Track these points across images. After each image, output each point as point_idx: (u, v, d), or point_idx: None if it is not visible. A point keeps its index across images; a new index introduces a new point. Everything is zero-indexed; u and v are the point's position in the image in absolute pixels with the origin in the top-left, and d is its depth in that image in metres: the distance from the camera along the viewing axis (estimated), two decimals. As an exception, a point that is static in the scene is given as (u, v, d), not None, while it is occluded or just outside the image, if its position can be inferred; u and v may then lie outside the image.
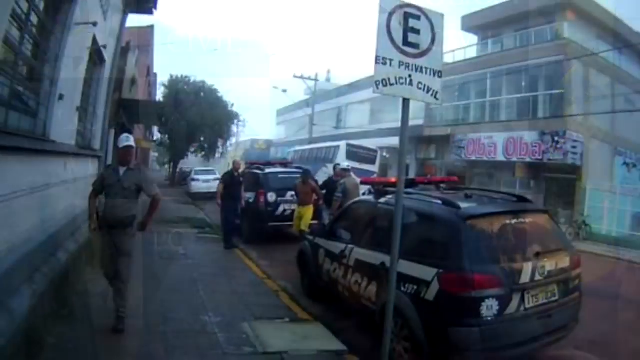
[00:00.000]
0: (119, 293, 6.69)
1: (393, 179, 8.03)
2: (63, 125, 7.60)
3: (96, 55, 10.51)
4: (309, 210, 13.34)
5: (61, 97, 7.17)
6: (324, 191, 14.08)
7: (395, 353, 5.93)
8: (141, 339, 6.51)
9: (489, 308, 5.33)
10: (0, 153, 4.59)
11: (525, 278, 5.60)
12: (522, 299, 5.57)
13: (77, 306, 7.14)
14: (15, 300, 4.79)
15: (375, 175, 26.27)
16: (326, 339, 6.90)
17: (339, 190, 12.27)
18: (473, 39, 33.20)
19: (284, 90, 48.38)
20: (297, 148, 41.88)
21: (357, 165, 29.20)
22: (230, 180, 13.92)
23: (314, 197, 13.50)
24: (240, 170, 14.88)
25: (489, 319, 5.33)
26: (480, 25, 31.65)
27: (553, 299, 5.85)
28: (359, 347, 6.52)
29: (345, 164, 16.17)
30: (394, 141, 34.31)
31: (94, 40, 9.44)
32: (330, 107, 48.33)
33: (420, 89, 5.09)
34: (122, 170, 6.72)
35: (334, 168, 15.16)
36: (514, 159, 25.10)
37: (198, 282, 9.65)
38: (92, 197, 6.80)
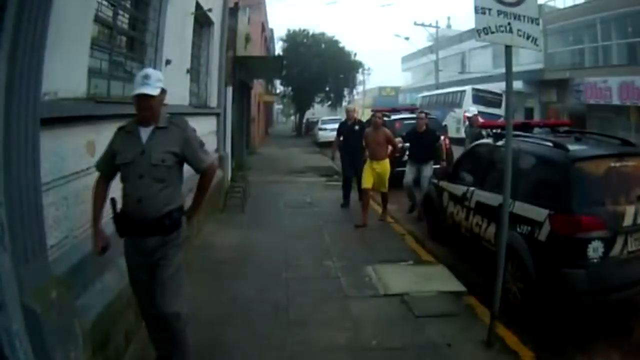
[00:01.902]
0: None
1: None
2: (174, 87, 7.94)
3: (202, 19, 10.83)
4: (384, 166, 10.47)
5: (168, 62, 7.51)
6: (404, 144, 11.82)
7: (510, 294, 6.11)
8: (263, 283, 6.86)
9: (595, 250, 5.40)
10: (102, 122, 4.87)
11: (628, 221, 5.57)
12: (625, 242, 5.55)
13: (193, 260, 7.50)
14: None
15: (501, 119, 25.99)
16: (447, 280, 7.06)
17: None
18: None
19: (407, 38, 48.50)
20: (425, 94, 42.24)
21: (483, 109, 29.23)
22: (344, 131, 12.13)
23: (389, 148, 10.67)
24: (365, 119, 14.45)
25: (595, 260, 5.41)
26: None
27: None
28: (478, 288, 6.63)
29: (471, 108, 14.84)
30: (517, 84, 34.11)
31: (198, 5, 9.74)
32: (453, 53, 48.40)
33: (520, 36, 5.06)
34: (144, 131, 4.00)
35: (418, 115, 12.25)
36: (628, 103, 24.80)
37: (323, 229, 10.02)
38: (98, 187, 4.09)
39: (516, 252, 6.01)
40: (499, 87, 31.69)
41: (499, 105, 30.45)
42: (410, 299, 6.30)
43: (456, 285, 6.82)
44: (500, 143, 7.51)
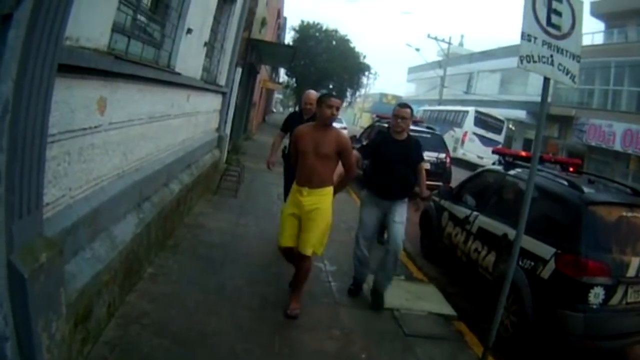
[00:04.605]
0: None
1: (523, 153, 8.33)
2: (189, 58, 7.68)
3: (227, -7, 10.51)
4: (322, 202, 5.50)
5: (189, 31, 7.23)
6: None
7: (501, 326, 5.91)
8: (252, 274, 6.61)
9: (596, 296, 5.41)
10: (117, 80, 4.58)
11: (632, 272, 5.59)
12: (626, 293, 5.56)
13: (183, 239, 7.37)
14: (119, 228, 4.86)
15: (500, 146, 26.14)
16: (438, 301, 6.94)
17: None
18: (600, 25, 32.99)
19: (417, 49, 48.44)
20: (427, 107, 42.37)
21: (483, 133, 29.45)
22: (294, 128, 6.15)
23: (337, 168, 5.71)
24: (365, 124, 13.00)
25: (594, 306, 5.39)
26: (608, 13, 31.10)
27: None
28: (467, 314, 6.62)
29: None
30: (521, 114, 34.58)
31: (225, -22, 9.42)
32: (461, 72, 48.89)
33: (560, 70, 5.06)
34: None
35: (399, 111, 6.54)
36: (630, 150, 25.22)
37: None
38: None
39: (515, 286, 5.85)
40: (501, 113, 32.02)
41: (499, 132, 30.88)
42: (401, 316, 6.17)
43: (447, 309, 6.69)
44: (512, 172, 7.52)
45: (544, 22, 4.99)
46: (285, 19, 42.88)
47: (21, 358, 2.75)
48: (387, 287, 6.38)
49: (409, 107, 6.57)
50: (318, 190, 5.46)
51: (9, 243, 2.69)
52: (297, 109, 50.39)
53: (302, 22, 45.28)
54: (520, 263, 5.92)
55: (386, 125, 15.01)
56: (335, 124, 5.82)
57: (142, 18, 5.74)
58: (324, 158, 5.45)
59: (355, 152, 6.30)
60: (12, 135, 2.69)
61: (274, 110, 73.86)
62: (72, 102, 3.66)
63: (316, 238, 5.49)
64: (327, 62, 42.01)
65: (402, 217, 6.33)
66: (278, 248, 5.79)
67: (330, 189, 5.60)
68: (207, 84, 9.99)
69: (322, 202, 5.49)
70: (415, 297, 6.86)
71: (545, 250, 5.81)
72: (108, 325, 4.44)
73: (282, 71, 45.19)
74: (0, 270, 2.64)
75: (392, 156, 6.33)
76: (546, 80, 5.08)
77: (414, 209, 6.87)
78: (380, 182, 6.33)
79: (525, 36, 4.87)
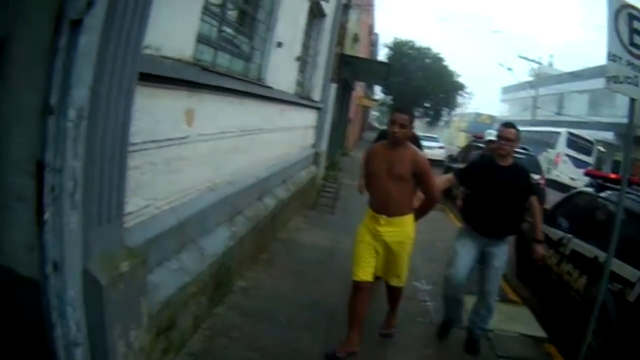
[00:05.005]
0: None
1: (613, 175, 8.02)
2: (281, 72, 7.66)
3: (316, 9, 10.52)
4: (403, 231, 4.89)
5: (279, 44, 7.21)
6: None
7: (589, 349, 5.58)
8: (348, 293, 6.18)
9: None
10: (204, 91, 4.55)
11: None
12: None
13: (276, 253, 7.30)
14: (209, 240, 4.81)
15: (590, 167, 25.33)
16: (530, 323, 6.72)
17: None
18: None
19: (509, 69, 47.70)
20: (519, 128, 41.28)
21: (575, 154, 28.78)
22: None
23: (416, 194, 5.05)
24: (462, 143, 12.70)
25: None
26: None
27: None
28: (557, 336, 6.39)
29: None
30: (609, 136, 33.16)
31: (314, -6, 9.45)
32: (551, 92, 47.74)
33: None
34: None
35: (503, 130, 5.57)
36: None
37: (414, 247, 9.40)
38: None
39: (604, 309, 5.51)
40: (590, 134, 31.06)
41: (589, 153, 30.13)
42: (494, 337, 5.97)
43: (538, 331, 6.47)
44: (603, 195, 7.32)
45: (627, 42, 4.86)
46: (377, 35, 42.77)
47: (93, 364, 2.73)
48: (484, 336, 5.70)
49: (515, 127, 5.51)
50: (398, 220, 4.80)
51: (86, 251, 2.66)
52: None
53: (395, 39, 45.04)
54: (608, 286, 5.55)
55: (481, 145, 14.48)
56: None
57: (228, 30, 5.72)
58: (399, 180, 4.71)
59: (449, 176, 5.79)
60: (90, 143, 2.65)
61: (380, 126, 73.57)
62: (157, 112, 3.64)
63: (404, 269, 5.06)
64: (422, 80, 41.50)
65: (501, 260, 5.35)
66: (354, 280, 4.82)
67: (411, 218, 4.91)
68: (301, 99, 9.96)
69: (405, 235, 4.88)
70: (508, 319, 6.65)
71: (632, 273, 5.49)
72: (193, 336, 4.39)
73: (377, 88, 45.05)
74: (75, 276, 2.61)
75: (494, 185, 5.26)
76: (632, 101, 4.89)
77: (533, 257, 5.91)
78: (481, 215, 5.34)
79: (611, 56, 4.75)
